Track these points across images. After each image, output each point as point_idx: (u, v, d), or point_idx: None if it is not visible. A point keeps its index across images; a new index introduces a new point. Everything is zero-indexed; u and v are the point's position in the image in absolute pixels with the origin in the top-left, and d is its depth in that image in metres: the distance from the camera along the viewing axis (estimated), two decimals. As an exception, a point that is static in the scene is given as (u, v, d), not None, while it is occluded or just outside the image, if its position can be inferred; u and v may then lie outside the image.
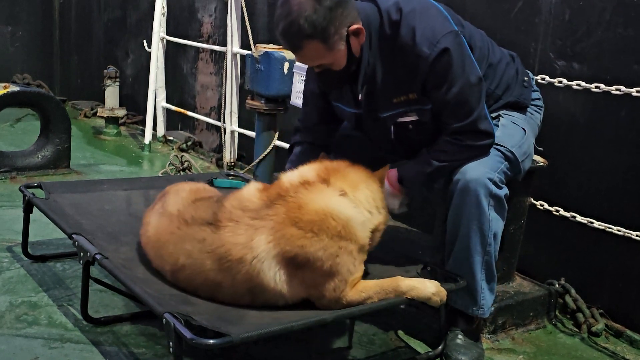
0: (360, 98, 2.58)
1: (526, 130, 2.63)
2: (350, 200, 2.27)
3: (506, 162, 2.50)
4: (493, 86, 2.64)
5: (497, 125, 2.59)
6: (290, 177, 2.34)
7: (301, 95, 3.98)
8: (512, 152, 2.51)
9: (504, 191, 2.48)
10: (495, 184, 2.44)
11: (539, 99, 2.83)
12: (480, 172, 2.42)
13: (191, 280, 2.32)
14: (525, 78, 2.77)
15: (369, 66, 2.48)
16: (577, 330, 3.00)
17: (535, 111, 2.79)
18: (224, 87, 5.25)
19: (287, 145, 4.50)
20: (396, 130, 2.60)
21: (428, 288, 2.31)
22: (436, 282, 2.36)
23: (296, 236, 2.17)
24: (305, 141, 2.82)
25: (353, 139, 2.83)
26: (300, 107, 2.97)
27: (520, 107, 2.72)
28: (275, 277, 2.20)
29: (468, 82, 2.41)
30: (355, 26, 2.36)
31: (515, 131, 2.60)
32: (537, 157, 2.97)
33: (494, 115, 2.64)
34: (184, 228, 2.36)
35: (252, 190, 2.37)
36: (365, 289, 2.27)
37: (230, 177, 3.59)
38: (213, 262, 2.25)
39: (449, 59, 2.37)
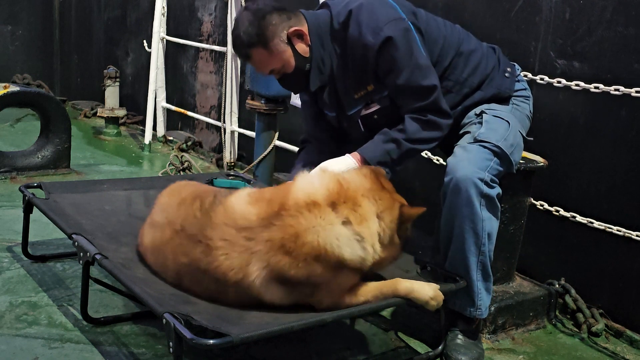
0: (324, 97, 2.74)
1: (510, 122, 2.63)
2: (354, 232, 2.17)
3: (495, 158, 2.50)
4: (465, 74, 2.69)
5: (482, 123, 2.60)
6: (296, 194, 2.21)
7: (301, 95, 4.00)
8: (498, 147, 2.51)
9: (495, 190, 2.48)
10: (486, 183, 2.44)
11: (524, 89, 2.83)
12: (470, 171, 2.43)
13: (193, 288, 2.32)
14: (508, 69, 2.79)
15: (324, 65, 2.63)
16: (577, 330, 3.00)
17: (522, 102, 2.79)
18: (224, 87, 5.25)
19: (287, 145, 4.53)
20: (364, 122, 2.71)
21: (426, 292, 2.30)
22: (435, 285, 2.35)
23: (290, 264, 2.13)
24: (310, 142, 2.95)
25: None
26: (299, 107, 3.04)
27: (502, 98, 2.74)
28: (273, 295, 2.20)
29: (417, 65, 2.51)
30: (294, 28, 2.55)
31: (498, 125, 2.60)
32: (537, 157, 2.97)
33: (477, 111, 2.67)
34: (177, 238, 2.34)
35: (243, 204, 2.26)
36: (364, 293, 2.26)
37: (230, 177, 3.58)
38: (211, 279, 2.24)
39: (395, 45, 2.49)
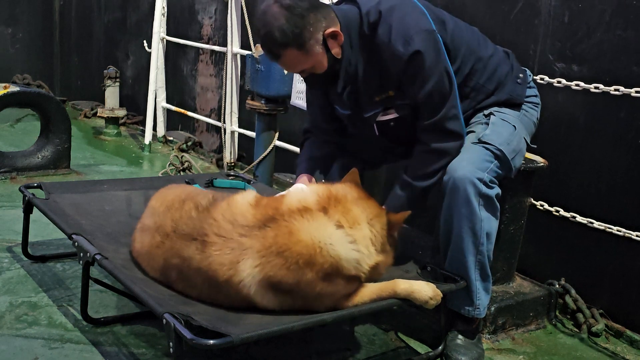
0: (343, 96, 2.65)
1: (516, 127, 2.63)
2: (346, 234, 2.18)
3: (496, 161, 2.50)
4: (482, 80, 2.66)
5: (488, 124, 2.60)
6: (289, 201, 2.24)
7: (301, 95, 4.00)
8: (500, 150, 2.51)
9: (494, 191, 2.48)
10: (485, 183, 2.44)
11: (535, 95, 2.82)
12: (469, 171, 2.43)
13: (187, 291, 2.31)
14: (520, 75, 2.77)
15: (350, 65, 2.54)
16: (577, 330, 3.00)
17: (531, 108, 2.78)
18: (224, 88, 5.25)
19: (287, 146, 4.52)
20: (380, 128, 2.67)
21: (425, 292, 2.30)
22: (433, 285, 2.35)
23: (280, 265, 2.11)
24: (313, 132, 2.90)
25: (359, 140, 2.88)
26: (300, 107, 3.02)
27: (513, 104, 2.72)
28: (264, 299, 2.18)
29: (440, 80, 2.44)
30: (330, 29, 2.43)
31: (503, 129, 2.60)
32: (537, 157, 2.97)
33: (486, 112, 2.66)
34: (169, 242, 2.33)
35: (246, 203, 2.28)
36: (362, 298, 2.25)
37: (230, 178, 3.58)
38: (203, 280, 2.23)
39: (423, 58, 2.41)
